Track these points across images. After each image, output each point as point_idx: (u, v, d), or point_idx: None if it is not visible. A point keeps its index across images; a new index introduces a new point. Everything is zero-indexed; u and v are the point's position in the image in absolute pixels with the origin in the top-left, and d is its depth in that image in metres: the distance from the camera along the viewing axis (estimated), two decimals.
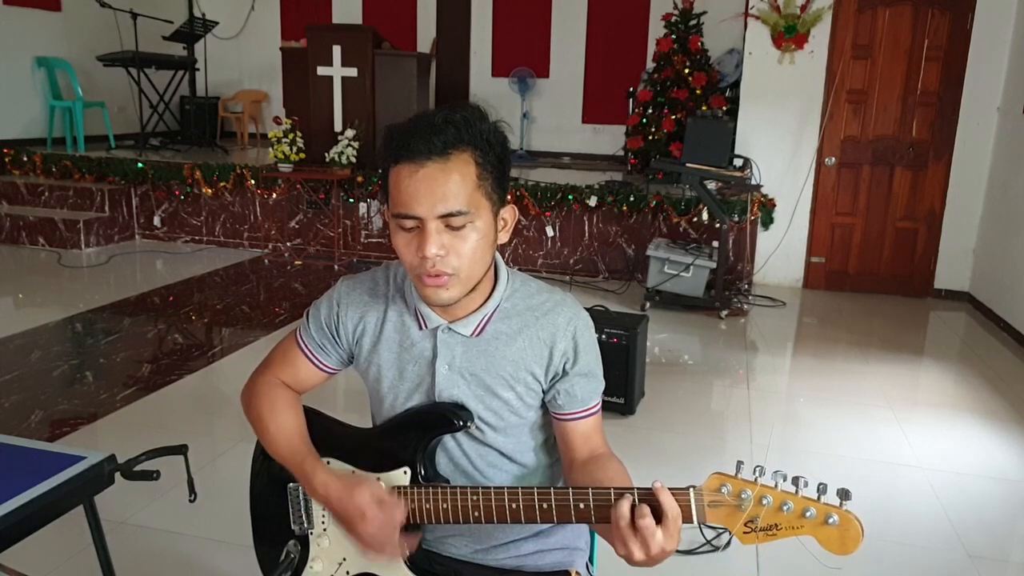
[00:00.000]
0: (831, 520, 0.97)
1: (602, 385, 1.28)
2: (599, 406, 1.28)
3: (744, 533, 1.01)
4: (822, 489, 0.98)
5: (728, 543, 2.42)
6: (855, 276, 5.74)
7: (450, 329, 1.23)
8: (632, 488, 1.05)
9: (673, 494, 1.02)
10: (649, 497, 1.02)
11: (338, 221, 6.08)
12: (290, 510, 1.30)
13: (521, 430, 1.28)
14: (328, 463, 1.26)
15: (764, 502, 0.99)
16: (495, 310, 1.24)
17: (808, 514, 0.98)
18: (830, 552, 0.99)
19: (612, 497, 1.05)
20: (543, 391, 1.26)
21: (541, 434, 1.32)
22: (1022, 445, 3.27)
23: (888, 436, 3.32)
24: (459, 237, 1.12)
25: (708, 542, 2.42)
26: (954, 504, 2.75)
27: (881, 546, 2.46)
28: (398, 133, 1.13)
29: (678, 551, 2.36)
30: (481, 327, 1.23)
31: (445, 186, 1.09)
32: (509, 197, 1.22)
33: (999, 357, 4.42)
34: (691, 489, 1.02)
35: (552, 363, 1.24)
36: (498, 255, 1.25)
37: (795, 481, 0.99)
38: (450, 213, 1.10)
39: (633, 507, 1.02)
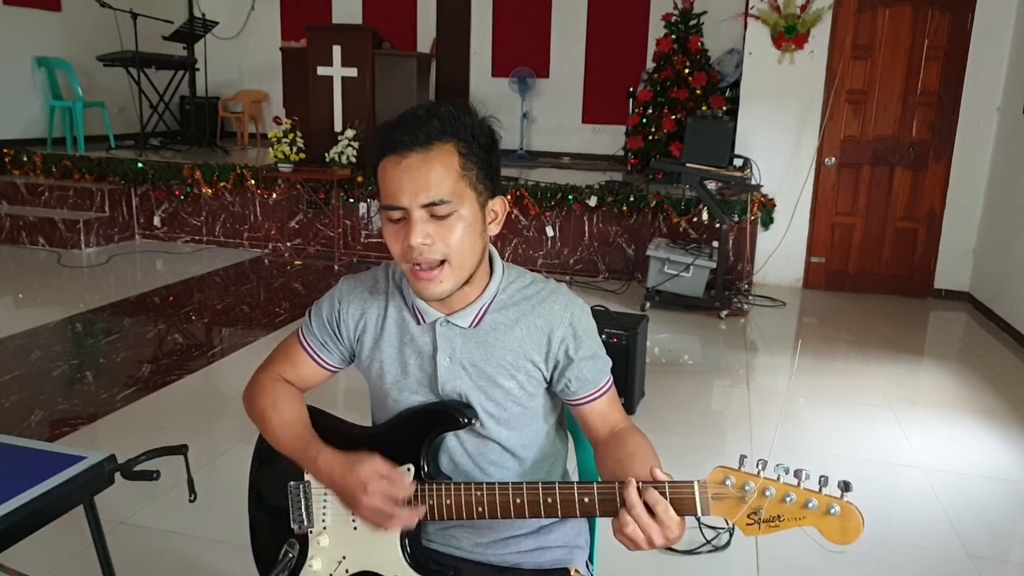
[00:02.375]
0: (832, 511, 1.00)
1: (609, 363, 1.30)
2: (611, 381, 1.30)
3: (747, 525, 1.03)
4: (823, 481, 1.01)
5: (728, 543, 2.42)
6: (855, 276, 5.74)
7: (448, 322, 1.24)
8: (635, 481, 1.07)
9: (677, 487, 1.04)
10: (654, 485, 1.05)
11: (338, 221, 6.08)
12: (290, 509, 1.30)
13: (523, 421, 1.29)
14: (324, 444, 1.26)
15: (767, 494, 1.01)
16: (492, 301, 1.25)
17: (810, 505, 1.00)
18: (831, 542, 1.01)
19: (616, 492, 1.07)
20: (545, 379, 1.27)
21: (542, 426, 1.32)
22: (1022, 445, 3.27)
23: (888, 436, 3.32)
24: (445, 226, 1.13)
25: (708, 542, 2.42)
26: (954, 504, 2.76)
27: (881, 546, 2.46)
28: (385, 128, 1.15)
29: (678, 551, 2.37)
30: (479, 318, 1.24)
31: (427, 176, 1.11)
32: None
33: (999, 357, 4.42)
34: (695, 482, 1.04)
35: (551, 350, 1.25)
36: (493, 248, 1.27)
37: (797, 474, 1.01)
38: (433, 202, 1.12)
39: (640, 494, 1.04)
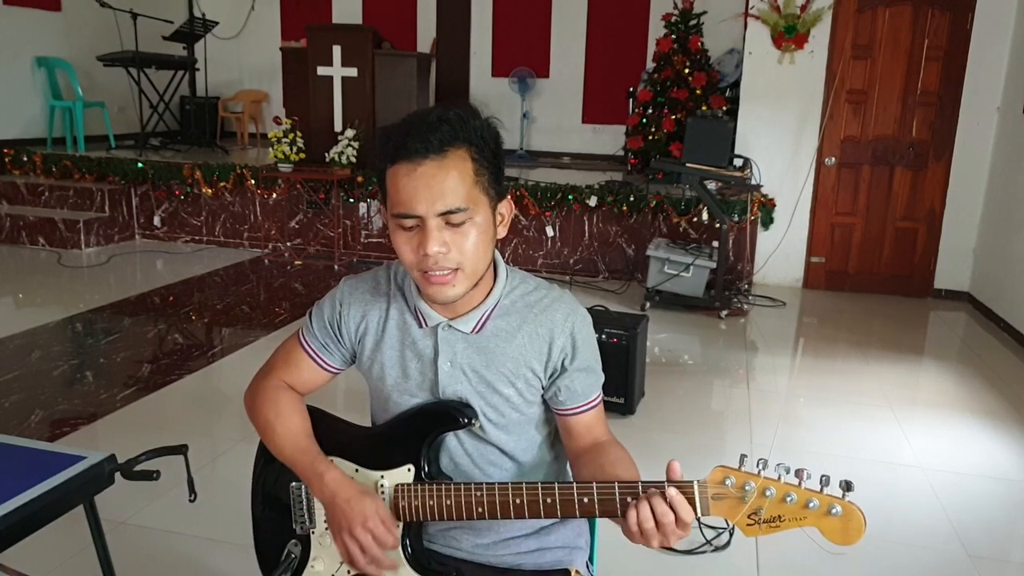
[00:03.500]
0: (834, 511, 0.99)
1: (601, 378, 1.29)
2: (600, 397, 1.29)
3: (747, 525, 1.02)
4: (825, 481, 1.00)
5: (728, 543, 2.42)
6: (855, 276, 5.74)
7: (450, 326, 1.24)
8: (636, 482, 1.07)
9: (677, 486, 1.04)
10: (655, 487, 1.05)
11: (338, 221, 6.08)
12: (292, 510, 1.30)
13: (522, 427, 1.29)
14: (331, 461, 1.26)
15: (767, 494, 1.00)
16: (495, 307, 1.25)
17: (811, 505, 0.99)
18: (833, 542, 1.00)
19: (616, 492, 1.07)
20: (543, 387, 1.27)
21: (541, 431, 1.32)
22: (1022, 445, 3.27)
23: (888, 436, 3.31)
24: (460, 233, 1.13)
25: (708, 542, 2.42)
26: (954, 504, 2.75)
27: (881, 546, 2.46)
28: (393, 133, 1.13)
29: (678, 551, 2.37)
30: (481, 324, 1.24)
31: (444, 183, 1.10)
32: (509, 196, 1.23)
33: (999, 357, 4.42)
34: (695, 482, 1.04)
35: (551, 359, 1.25)
36: (497, 253, 1.26)
37: (798, 473, 1.00)
38: (449, 210, 1.11)
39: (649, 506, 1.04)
